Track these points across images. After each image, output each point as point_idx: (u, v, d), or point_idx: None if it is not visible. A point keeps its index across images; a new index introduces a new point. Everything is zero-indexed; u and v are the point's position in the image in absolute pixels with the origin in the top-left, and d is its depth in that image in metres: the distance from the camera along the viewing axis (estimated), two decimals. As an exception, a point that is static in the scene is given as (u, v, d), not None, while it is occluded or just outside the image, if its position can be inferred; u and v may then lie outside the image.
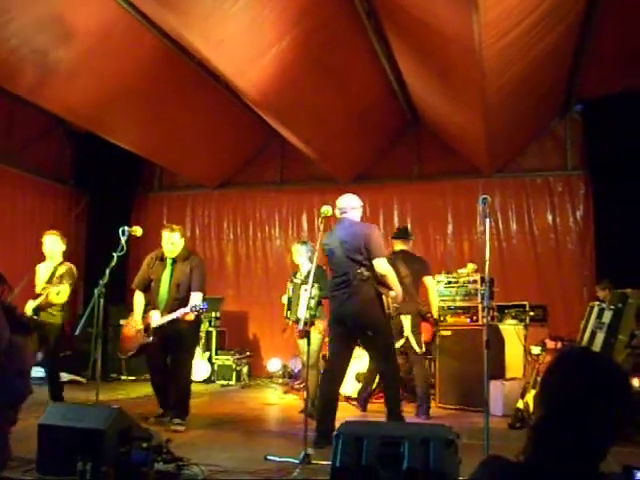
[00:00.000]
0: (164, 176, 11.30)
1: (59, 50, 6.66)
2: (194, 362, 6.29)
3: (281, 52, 6.53)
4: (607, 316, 6.28)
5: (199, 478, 4.18)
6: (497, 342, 7.40)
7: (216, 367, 9.31)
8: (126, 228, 5.33)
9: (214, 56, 6.23)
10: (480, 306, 7.10)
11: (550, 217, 9.55)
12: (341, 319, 5.25)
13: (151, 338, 5.67)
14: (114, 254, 5.23)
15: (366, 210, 10.30)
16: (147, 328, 5.74)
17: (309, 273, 6.77)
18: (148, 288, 5.96)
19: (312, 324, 6.58)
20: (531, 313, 7.82)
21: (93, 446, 3.93)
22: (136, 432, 4.31)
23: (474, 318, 7.15)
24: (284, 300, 7.27)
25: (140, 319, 5.81)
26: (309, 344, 6.27)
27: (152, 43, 7.19)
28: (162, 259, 5.91)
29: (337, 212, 5.51)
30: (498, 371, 7.14)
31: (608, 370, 1.52)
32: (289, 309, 7.14)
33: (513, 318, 7.93)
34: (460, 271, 7.50)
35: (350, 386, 7.92)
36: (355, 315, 5.15)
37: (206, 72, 7.87)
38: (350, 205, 5.55)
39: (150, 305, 5.87)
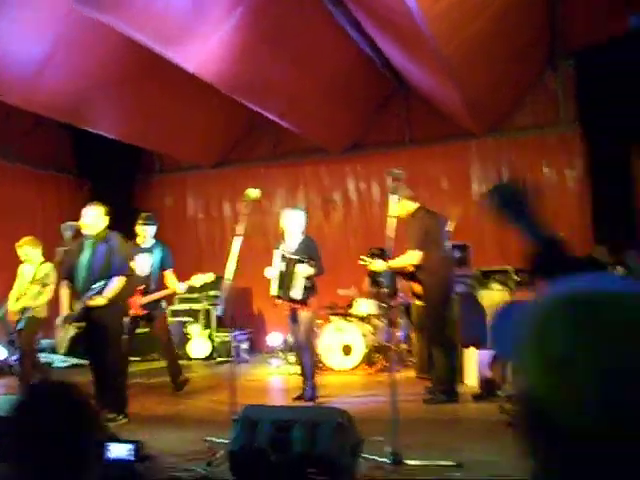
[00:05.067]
0: (164, 159, 11.45)
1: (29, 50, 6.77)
2: (119, 352, 5.80)
3: (232, 30, 6.46)
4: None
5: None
6: (472, 310, 7.29)
7: (216, 344, 9.51)
8: (69, 224, 5.44)
9: (159, 45, 6.22)
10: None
11: (546, 175, 9.24)
12: None
13: (71, 329, 5.38)
14: (59, 249, 5.39)
15: (359, 180, 10.35)
16: (66, 319, 5.44)
17: (301, 246, 6.62)
18: None
19: (305, 304, 6.56)
20: (516, 278, 7.66)
21: None
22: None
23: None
24: (269, 274, 6.57)
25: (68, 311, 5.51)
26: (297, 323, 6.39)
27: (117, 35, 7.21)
28: (81, 242, 5.61)
29: None
30: (476, 340, 7.03)
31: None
32: (281, 287, 6.46)
33: (500, 284, 7.77)
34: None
35: (337, 359, 7.98)
36: None
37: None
38: None
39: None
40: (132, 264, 6.33)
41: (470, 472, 3.81)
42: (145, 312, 6.75)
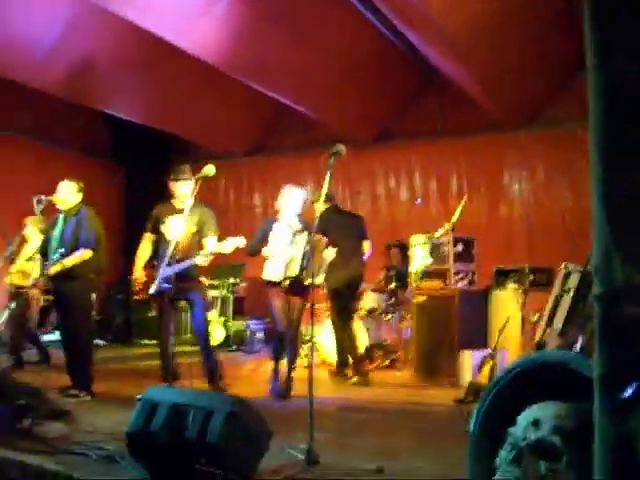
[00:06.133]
0: (199, 147, 11.40)
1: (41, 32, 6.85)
2: (85, 327, 5.51)
3: (227, 7, 6.27)
4: (574, 280, 5.55)
5: (50, 436, 4.18)
6: (476, 309, 6.82)
7: (231, 332, 9.42)
8: (42, 197, 5.41)
9: (149, 23, 6.13)
10: (452, 269, 6.55)
11: (583, 171, 8.55)
12: None
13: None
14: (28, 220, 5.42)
15: (388, 170, 9.94)
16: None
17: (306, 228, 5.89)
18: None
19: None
20: (530, 277, 7.11)
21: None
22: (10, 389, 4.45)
23: (447, 282, 6.59)
24: (277, 252, 5.60)
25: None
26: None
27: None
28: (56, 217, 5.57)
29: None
30: (477, 340, 6.56)
31: None
32: (305, 268, 5.37)
33: (515, 283, 7.25)
34: (440, 230, 6.93)
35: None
36: None
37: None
38: None
39: None
40: (162, 227, 5.63)
41: (388, 477, 3.46)
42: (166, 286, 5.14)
